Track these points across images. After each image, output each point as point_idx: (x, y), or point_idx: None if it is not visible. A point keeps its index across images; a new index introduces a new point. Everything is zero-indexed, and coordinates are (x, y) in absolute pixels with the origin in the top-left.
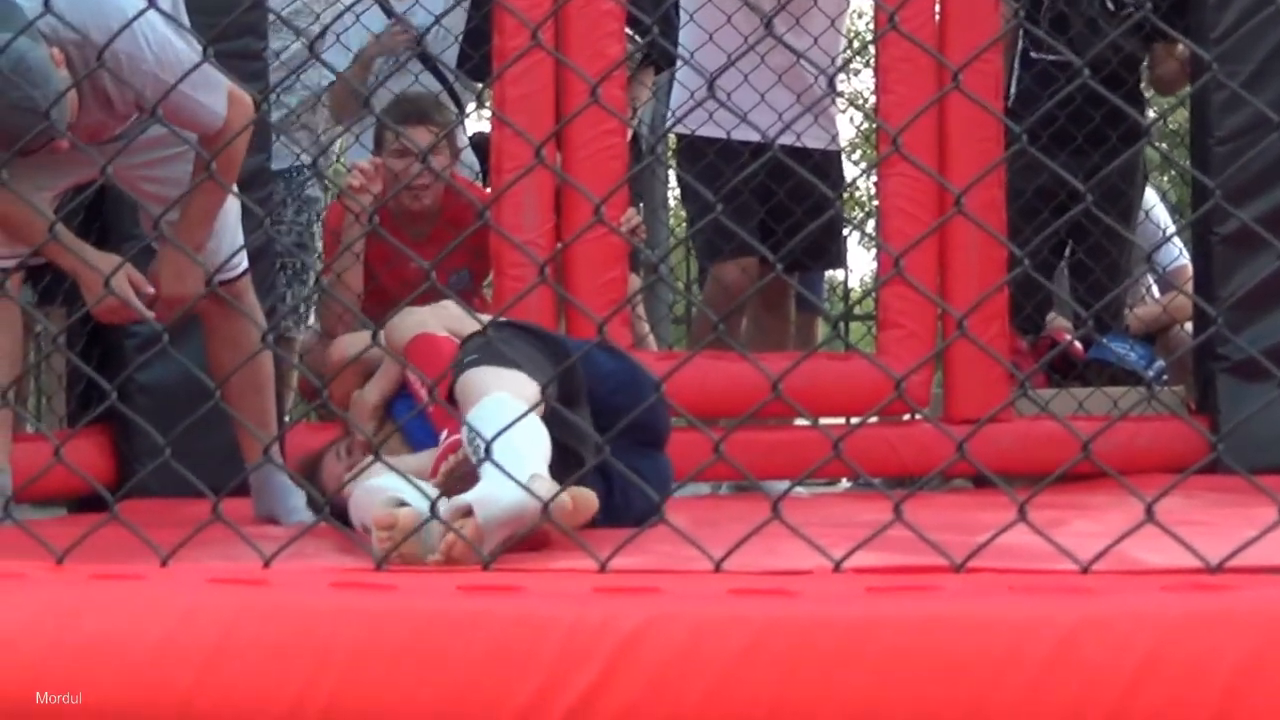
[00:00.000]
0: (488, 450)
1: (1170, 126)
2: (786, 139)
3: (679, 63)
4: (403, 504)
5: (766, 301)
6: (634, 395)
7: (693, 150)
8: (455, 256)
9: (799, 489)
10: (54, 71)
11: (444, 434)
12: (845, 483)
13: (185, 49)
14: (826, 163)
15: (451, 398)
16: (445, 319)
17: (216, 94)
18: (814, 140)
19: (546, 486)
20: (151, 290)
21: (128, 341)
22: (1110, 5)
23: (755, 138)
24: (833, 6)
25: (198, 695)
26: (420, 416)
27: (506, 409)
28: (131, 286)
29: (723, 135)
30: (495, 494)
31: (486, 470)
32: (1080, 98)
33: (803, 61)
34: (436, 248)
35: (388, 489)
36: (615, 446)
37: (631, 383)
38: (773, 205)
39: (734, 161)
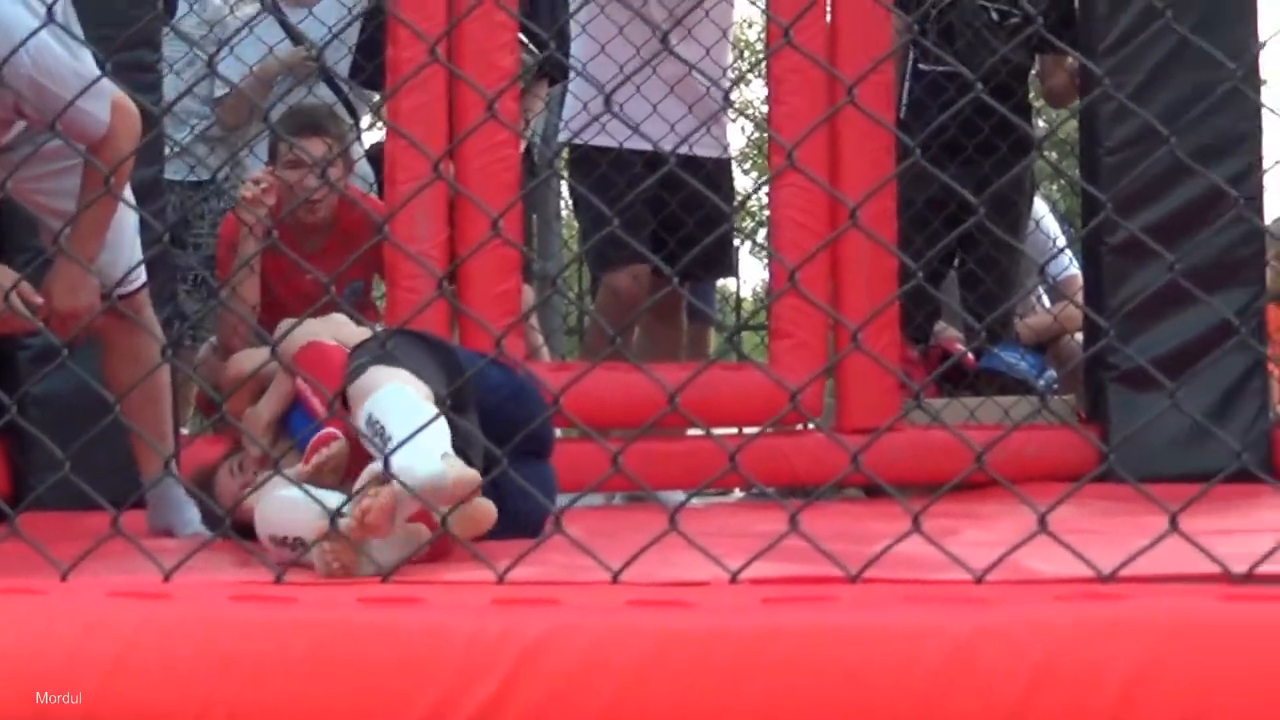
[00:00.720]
0: (381, 431)
1: (1059, 136)
2: (679, 149)
3: (572, 74)
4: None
5: (658, 311)
6: (523, 405)
7: (585, 160)
8: (350, 269)
9: (694, 500)
10: None
11: (312, 426)
12: (738, 493)
13: (64, 54)
14: (719, 173)
15: (345, 402)
16: (335, 330)
17: (99, 101)
18: (706, 150)
19: (459, 465)
20: (42, 302)
21: (21, 354)
22: (995, 16)
23: (647, 147)
24: (722, 17)
25: (99, 709)
26: (317, 429)
27: (406, 395)
28: (22, 298)
29: (615, 145)
30: (411, 464)
31: (402, 447)
32: (969, 109)
33: (695, 72)
34: (332, 260)
35: (301, 500)
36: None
37: (520, 393)
38: (665, 215)
39: (626, 171)
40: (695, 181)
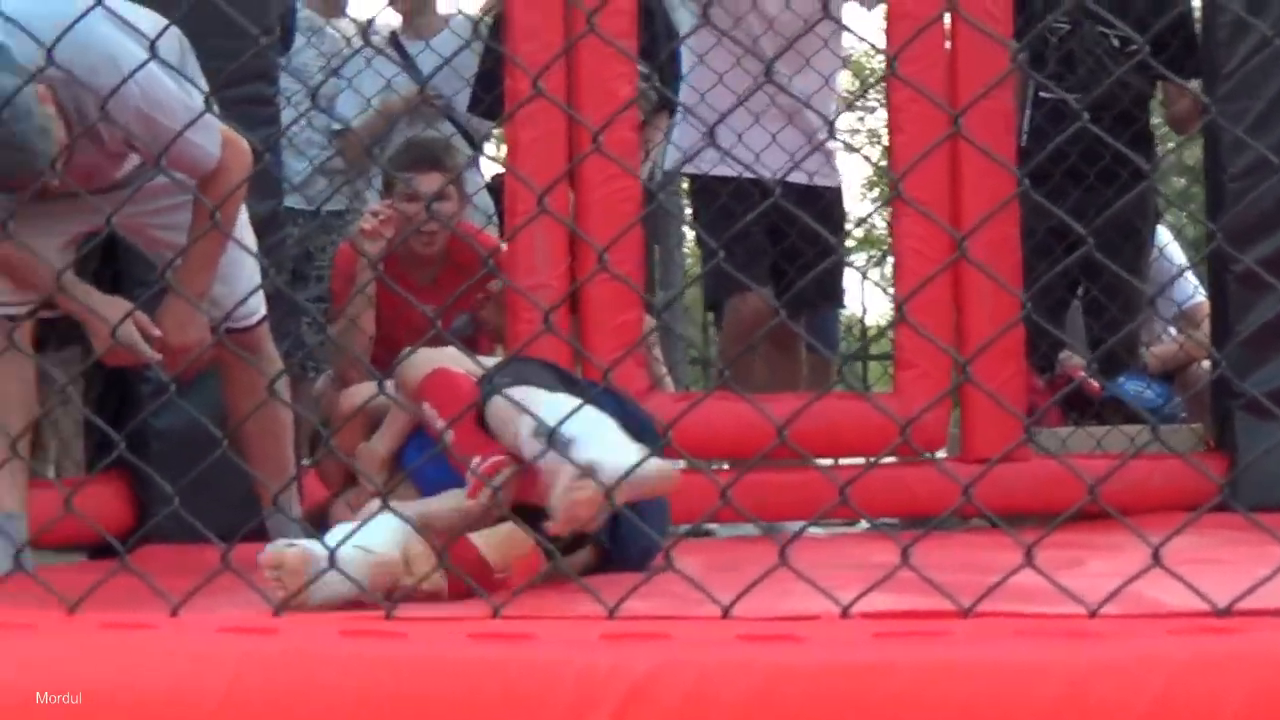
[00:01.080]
0: (559, 435)
1: (1189, 162)
2: (799, 179)
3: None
4: (291, 545)
5: (777, 341)
6: (635, 438)
7: (705, 190)
8: (461, 302)
9: (815, 530)
10: (38, 107)
11: (476, 460)
12: (864, 523)
13: (174, 87)
14: (834, 202)
15: (481, 423)
16: (450, 361)
17: (209, 134)
18: (824, 180)
19: (655, 459)
20: (159, 334)
21: (143, 387)
22: (1116, 42)
23: (765, 175)
24: (838, 46)
25: None
26: (436, 460)
27: (571, 403)
28: (140, 331)
29: (733, 174)
30: (613, 459)
31: (584, 447)
32: (1091, 136)
33: (807, 102)
34: (444, 293)
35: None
36: None
37: (633, 424)
38: (785, 245)
39: (745, 201)
40: (803, 214)
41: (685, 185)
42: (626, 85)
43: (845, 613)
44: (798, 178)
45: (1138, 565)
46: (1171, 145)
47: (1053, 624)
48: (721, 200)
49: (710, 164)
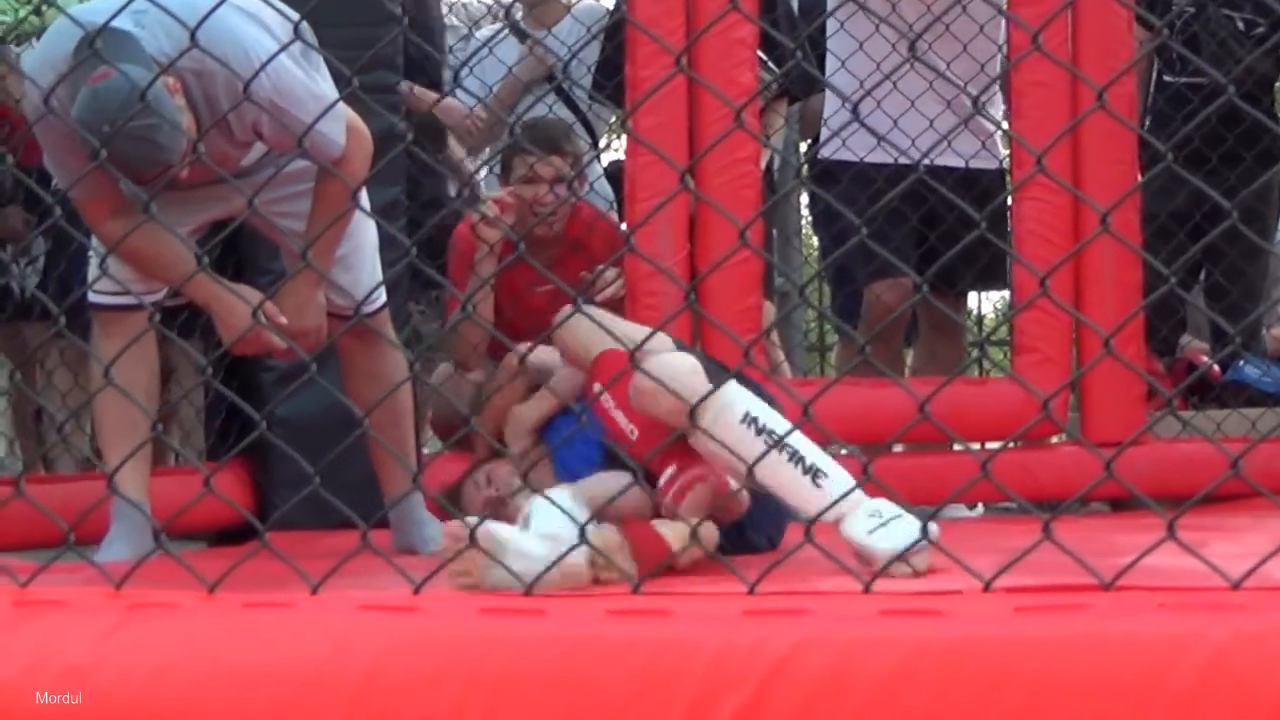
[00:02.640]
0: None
1: None
2: (955, 164)
3: (827, 87)
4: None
5: (938, 326)
6: None
7: (836, 175)
8: (570, 281)
9: (955, 511)
10: (169, 99)
11: (672, 469)
12: (980, 508)
13: (302, 75)
14: (995, 186)
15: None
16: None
17: (335, 123)
18: (981, 163)
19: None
20: (285, 322)
21: (264, 376)
22: (1241, 25)
23: (908, 161)
24: (982, 16)
25: None
26: (585, 443)
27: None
28: (267, 318)
29: (889, 160)
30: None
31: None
32: (1214, 120)
33: (957, 78)
34: (562, 273)
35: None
36: None
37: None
38: (943, 231)
39: (894, 185)
40: (951, 196)
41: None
42: (748, 71)
43: (987, 587)
44: (954, 162)
45: (1261, 546)
46: None
47: (1195, 597)
48: (876, 186)
49: (864, 149)
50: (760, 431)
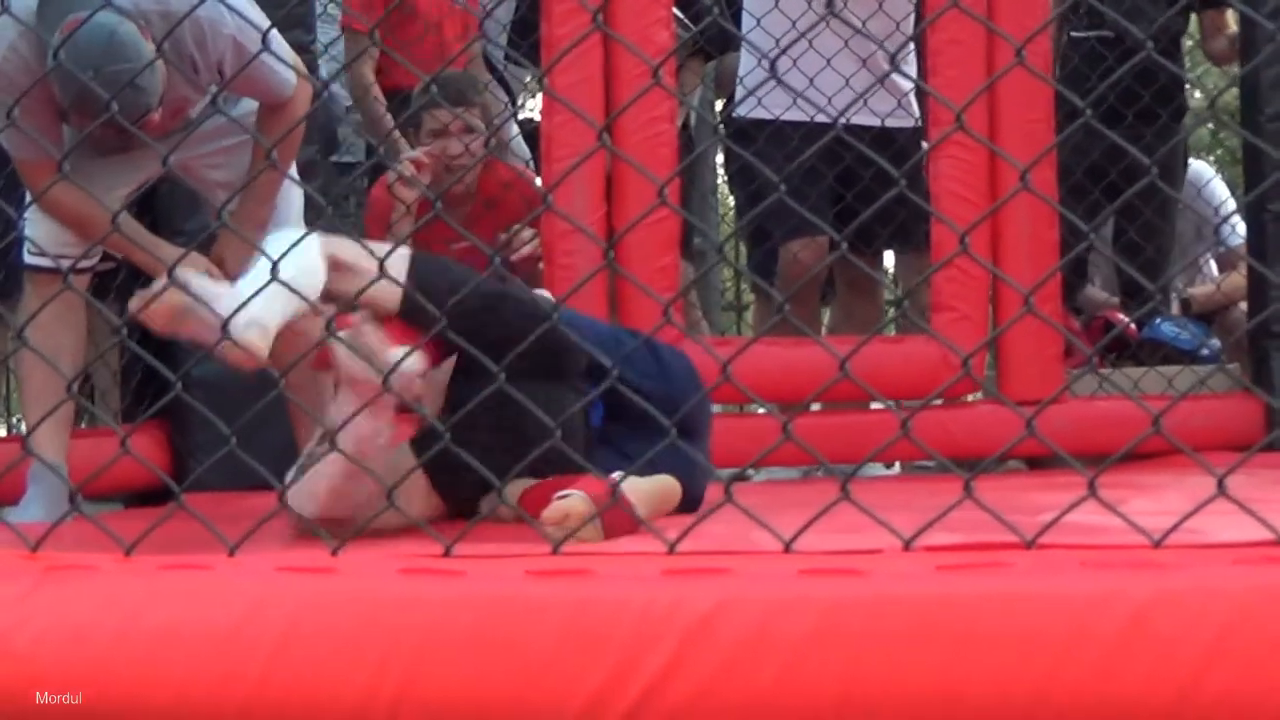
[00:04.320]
0: None
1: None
2: (871, 122)
3: (743, 44)
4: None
5: (855, 286)
6: (667, 382)
7: (752, 133)
8: (485, 239)
9: (871, 470)
10: (144, 43)
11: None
12: (897, 466)
13: (258, 16)
14: (911, 145)
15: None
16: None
17: (286, 67)
18: (898, 121)
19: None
20: (221, 276)
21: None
22: None
23: (825, 119)
24: None
25: (267, 684)
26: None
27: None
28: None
29: (804, 119)
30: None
31: None
32: (1129, 77)
33: (872, 40)
34: (475, 229)
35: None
36: (653, 434)
37: (664, 370)
38: (859, 190)
39: (810, 143)
40: (865, 149)
41: (722, 129)
42: (664, 30)
43: (908, 546)
44: (870, 121)
45: (1180, 504)
46: (1213, 88)
47: (1116, 555)
48: (793, 144)
49: (780, 108)
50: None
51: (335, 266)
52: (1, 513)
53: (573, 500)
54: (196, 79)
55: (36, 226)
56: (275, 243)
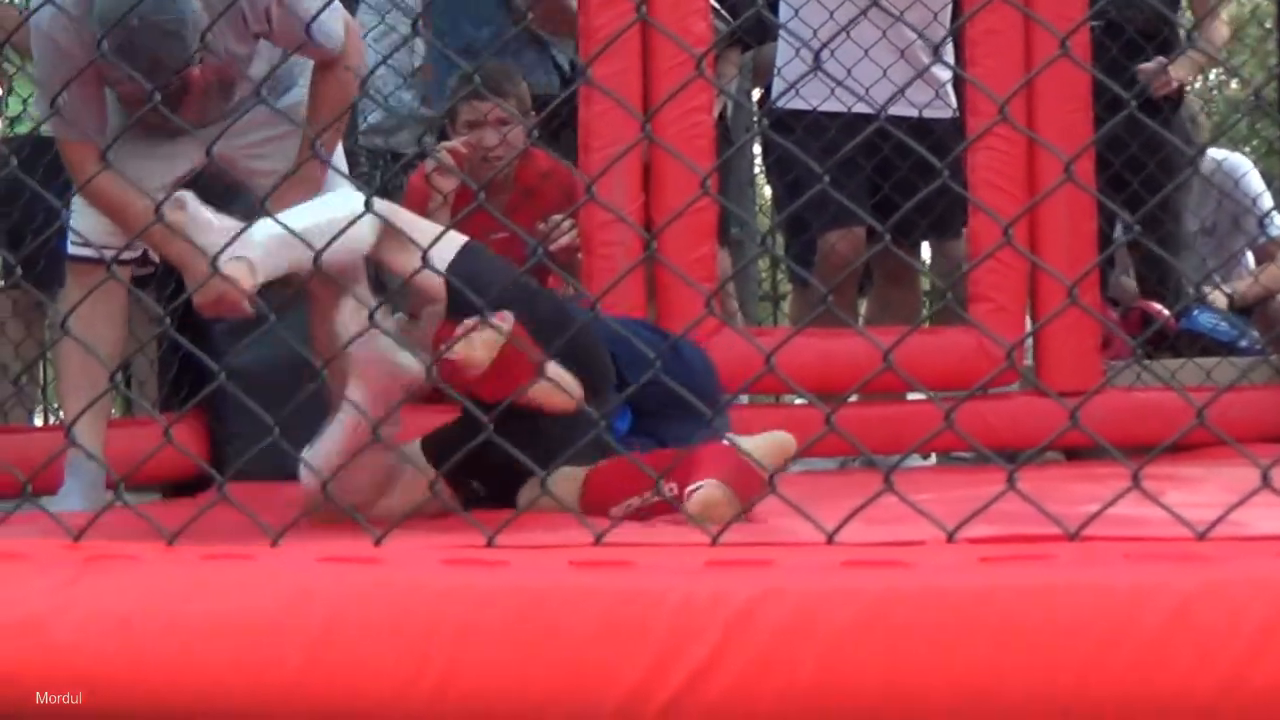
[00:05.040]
0: None
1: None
2: (909, 113)
3: (780, 35)
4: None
5: (892, 276)
6: (681, 368)
7: (790, 124)
8: (524, 228)
9: (910, 461)
10: None
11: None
12: (933, 458)
13: None
14: (950, 135)
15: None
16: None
17: (335, 18)
18: (935, 112)
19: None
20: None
21: (218, 325)
22: None
23: (866, 110)
24: None
25: (309, 674)
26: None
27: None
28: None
29: (841, 109)
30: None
31: None
32: (1130, 66)
33: (910, 31)
34: (513, 220)
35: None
36: (668, 420)
37: (676, 357)
38: (897, 180)
39: (853, 136)
40: (905, 138)
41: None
42: (702, 21)
43: (951, 538)
44: (908, 111)
45: (1218, 496)
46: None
47: (1160, 547)
48: (830, 135)
49: (818, 98)
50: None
51: (388, 236)
52: (39, 503)
53: (708, 490)
54: (245, 30)
55: (81, 217)
56: (333, 199)
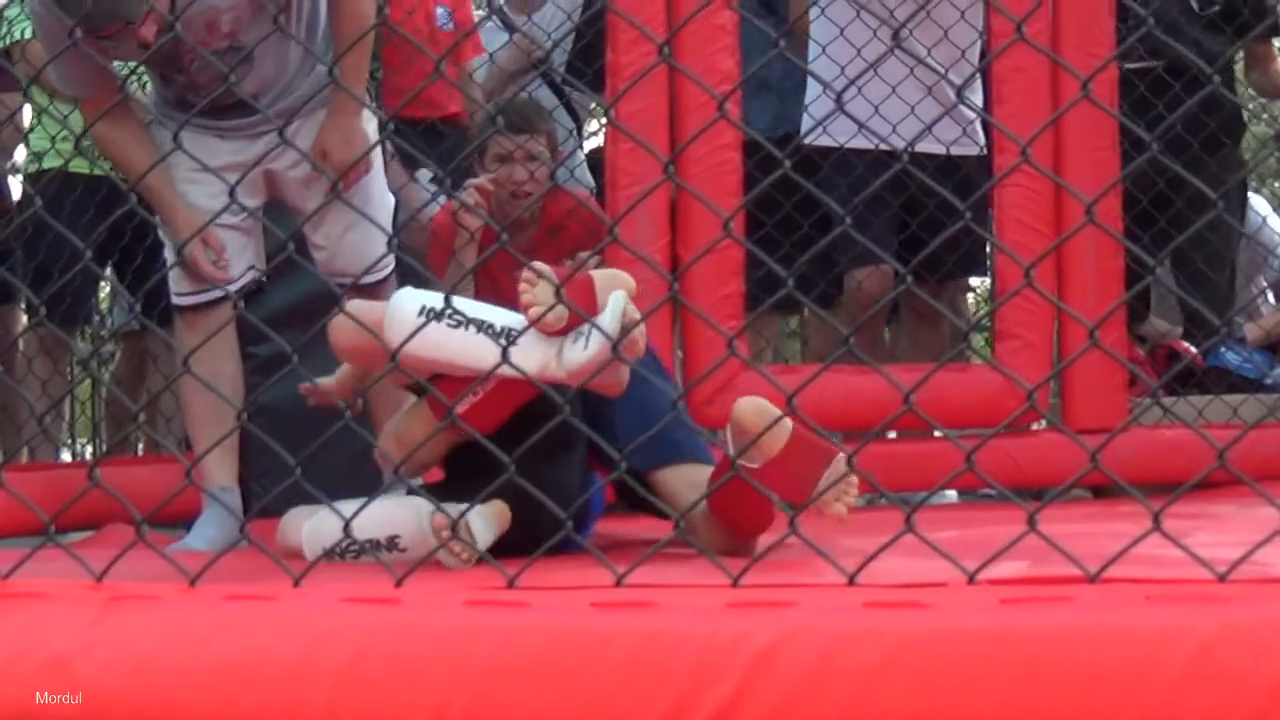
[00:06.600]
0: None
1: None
2: (936, 150)
3: (808, 75)
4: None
5: (921, 314)
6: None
7: (839, 163)
8: (549, 261)
9: (935, 498)
10: None
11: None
12: (954, 494)
13: None
14: (977, 172)
15: None
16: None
17: None
18: (963, 149)
19: None
20: (224, 251)
21: (246, 364)
22: (1195, 6)
23: (892, 147)
24: (973, 16)
25: (331, 715)
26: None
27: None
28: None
29: (869, 146)
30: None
31: None
32: (1171, 105)
33: (938, 68)
34: (539, 256)
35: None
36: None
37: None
38: (923, 218)
39: (880, 174)
40: (936, 184)
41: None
42: (729, 58)
43: (972, 579)
44: (936, 148)
45: (1245, 535)
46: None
47: (1181, 589)
48: (858, 172)
49: (845, 135)
50: (442, 316)
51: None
52: (60, 541)
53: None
54: None
55: (173, 274)
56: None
